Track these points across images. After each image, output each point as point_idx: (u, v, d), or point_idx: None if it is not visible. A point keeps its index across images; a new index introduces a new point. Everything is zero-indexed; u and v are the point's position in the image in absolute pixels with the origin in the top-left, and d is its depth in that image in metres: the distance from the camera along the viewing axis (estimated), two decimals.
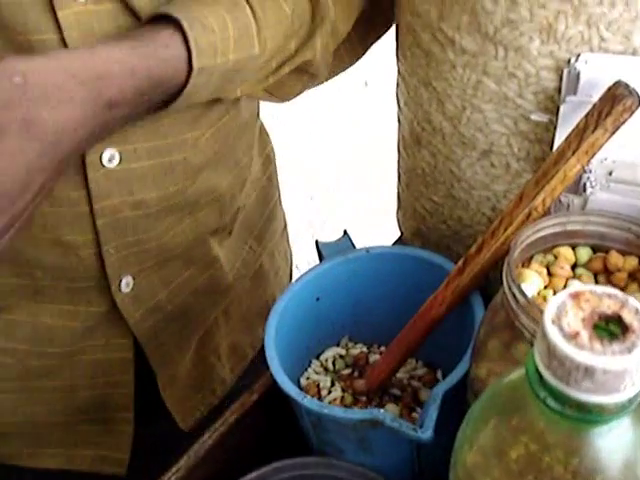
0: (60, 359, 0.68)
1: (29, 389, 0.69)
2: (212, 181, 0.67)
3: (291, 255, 0.90)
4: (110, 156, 0.58)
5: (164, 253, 0.67)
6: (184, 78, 0.54)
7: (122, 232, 0.62)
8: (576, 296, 0.30)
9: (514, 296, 0.44)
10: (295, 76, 0.64)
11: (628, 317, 0.30)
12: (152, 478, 0.78)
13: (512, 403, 0.36)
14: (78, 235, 0.61)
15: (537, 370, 0.31)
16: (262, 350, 0.79)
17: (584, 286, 0.31)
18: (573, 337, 0.29)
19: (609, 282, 0.49)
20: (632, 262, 0.49)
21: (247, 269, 0.78)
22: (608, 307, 0.30)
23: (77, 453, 0.74)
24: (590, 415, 0.30)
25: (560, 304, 0.30)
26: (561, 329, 0.29)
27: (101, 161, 0.58)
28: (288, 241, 0.88)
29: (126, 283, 0.65)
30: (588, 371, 0.29)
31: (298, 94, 0.68)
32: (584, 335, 0.29)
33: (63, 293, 0.65)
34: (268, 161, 0.80)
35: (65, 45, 0.54)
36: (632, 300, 0.30)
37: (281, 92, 0.66)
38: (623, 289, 0.49)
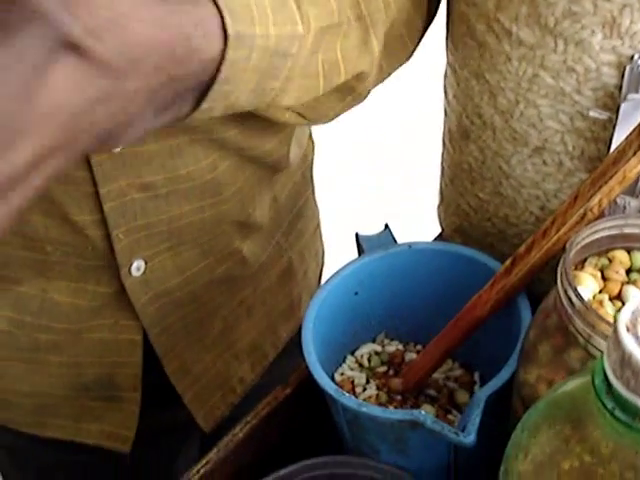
0: (67, 335, 0.68)
1: (37, 361, 0.69)
2: (234, 170, 0.64)
3: (323, 256, 0.87)
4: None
5: (177, 239, 0.65)
6: (218, 50, 0.40)
7: (131, 215, 0.61)
8: None
9: (569, 299, 0.42)
10: (338, 94, 0.53)
11: None
12: (155, 460, 0.79)
13: (570, 413, 0.34)
14: (86, 215, 0.60)
15: (606, 379, 0.29)
16: (284, 351, 0.80)
17: None
18: None
19: None
20: None
21: (273, 265, 0.76)
22: None
23: (83, 426, 0.74)
24: None
25: (635, 310, 0.28)
26: (637, 337, 0.27)
27: None
28: (321, 241, 0.86)
29: (137, 267, 0.64)
30: None
31: (334, 117, 0.57)
32: None
33: (72, 270, 0.64)
34: (306, 152, 0.77)
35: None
36: None
37: (314, 113, 0.54)
38: None
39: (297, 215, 0.78)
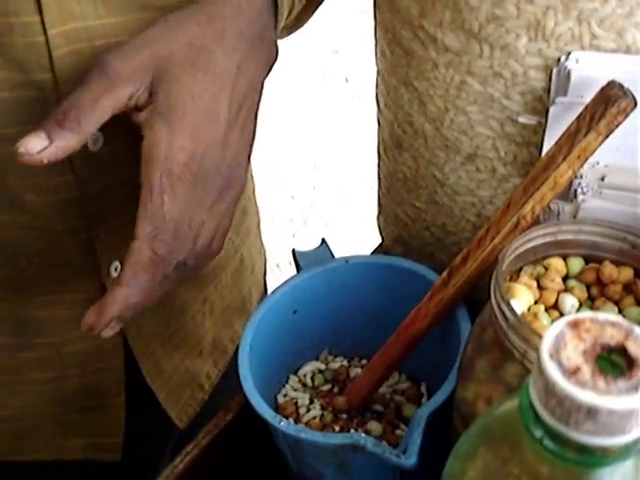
0: (49, 350, 0.66)
1: (18, 382, 0.68)
2: None
3: (265, 253, 0.89)
4: (94, 139, 0.56)
5: None
6: None
7: (111, 215, 0.61)
8: (575, 325, 0.27)
9: (503, 314, 0.41)
10: None
11: (633, 348, 0.27)
12: (146, 464, 0.77)
13: (503, 436, 0.33)
14: (68, 221, 0.59)
15: (532, 407, 0.28)
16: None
17: (584, 314, 0.28)
18: (573, 373, 0.26)
19: (603, 295, 0.46)
20: (627, 273, 0.46)
21: (228, 261, 0.77)
22: (611, 337, 0.27)
23: (66, 443, 0.72)
24: (592, 458, 0.27)
25: (558, 334, 0.27)
26: (560, 364, 0.26)
27: (86, 144, 0.55)
28: (261, 239, 0.87)
29: (114, 267, 0.63)
30: (591, 412, 0.25)
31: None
32: (586, 371, 0.26)
33: (47, 282, 0.63)
34: None
35: (45, 27, 0.51)
36: (638, 329, 0.27)
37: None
38: (618, 302, 0.46)
39: (244, 212, 0.79)
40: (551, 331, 0.27)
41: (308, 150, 2.18)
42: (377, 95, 0.62)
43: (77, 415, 0.71)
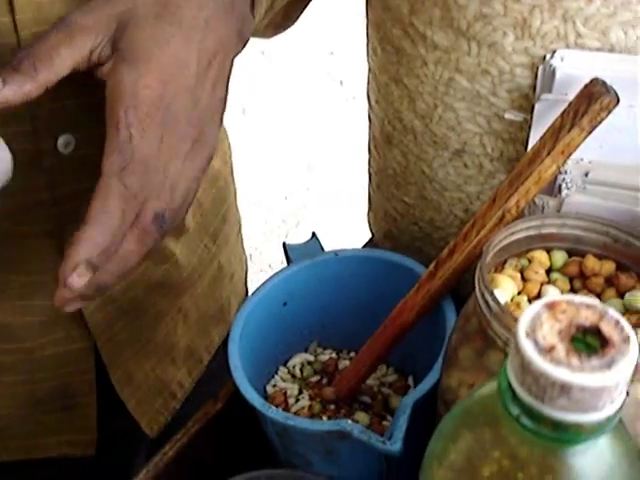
0: (20, 354, 0.66)
1: None
2: None
3: (246, 261, 0.89)
4: (65, 142, 0.56)
5: None
6: None
7: (80, 219, 0.60)
8: (552, 306, 0.28)
9: (487, 303, 0.42)
10: None
11: (607, 329, 0.28)
12: (120, 465, 0.78)
13: (484, 418, 0.34)
14: (38, 224, 0.59)
15: (510, 386, 0.29)
16: (217, 355, 0.80)
17: (560, 296, 0.29)
18: (548, 351, 0.27)
19: (585, 287, 0.47)
20: (609, 266, 0.47)
21: (204, 268, 0.76)
22: (586, 318, 0.28)
23: (38, 442, 0.72)
24: (566, 434, 0.28)
25: (535, 315, 0.28)
26: (536, 343, 0.27)
27: (56, 147, 0.56)
28: (243, 246, 0.87)
29: None
30: (564, 388, 0.27)
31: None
32: (560, 349, 0.27)
33: (17, 288, 0.62)
34: (225, 158, 0.78)
35: (16, 29, 0.51)
36: (612, 311, 0.28)
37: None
38: (600, 294, 0.47)
39: (222, 220, 0.78)
40: (528, 312, 0.28)
41: (302, 151, 2.19)
42: (368, 92, 0.63)
43: (50, 415, 0.71)
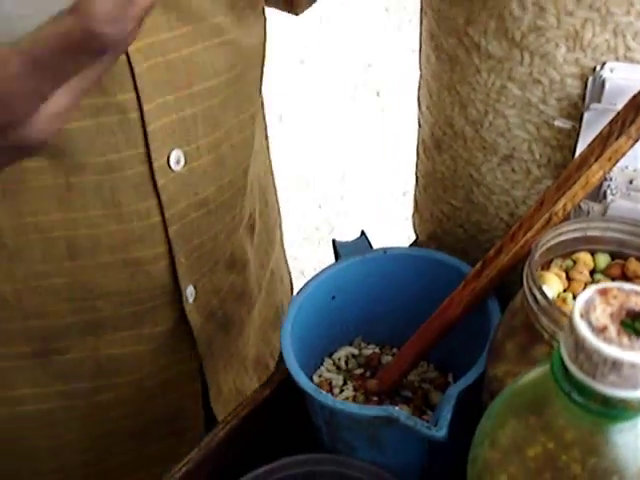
0: (129, 387, 0.66)
1: (95, 422, 0.67)
2: (251, 170, 0.67)
3: (287, 261, 0.90)
4: (176, 158, 0.58)
5: (216, 256, 0.66)
6: None
7: (190, 236, 0.62)
8: (604, 292, 0.31)
9: (535, 298, 0.44)
10: None
11: None
12: None
13: (532, 401, 0.36)
14: (149, 249, 0.60)
15: (563, 364, 0.31)
16: (280, 359, 0.81)
17: (612, 283, 0.31)
18: (601, 331, 0.29)
19: None
20: None
21: (263, 272, 0.78)
22: (636, 304, 0.30)
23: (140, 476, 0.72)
24: (614, 410, 0.31)
25: (589, 299, 0.30)
26: (589, 323, 0.30)
27: (169, 165, 0.58)
28: (284, 248, 0.88)
29: (190, 292, 0.65)
30: (615, 365, 0.29)
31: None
32: (612, 330, 0.29)
33: (126, 319, 0.63)
34: (269, 168, 0.80)
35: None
36: None
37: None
38: None
39: (269, 230, 0.80)
40: (582, 296, 0.31)
41: (337, 160, 2.22)
42: (419, 98, 0.66)
43: (154, 445, 0.71)
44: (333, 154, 2.23)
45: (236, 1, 0.60)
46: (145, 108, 0.56)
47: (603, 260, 0.50)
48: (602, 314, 0.30)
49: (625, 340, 0.29)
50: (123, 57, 0.53)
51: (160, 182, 0.58)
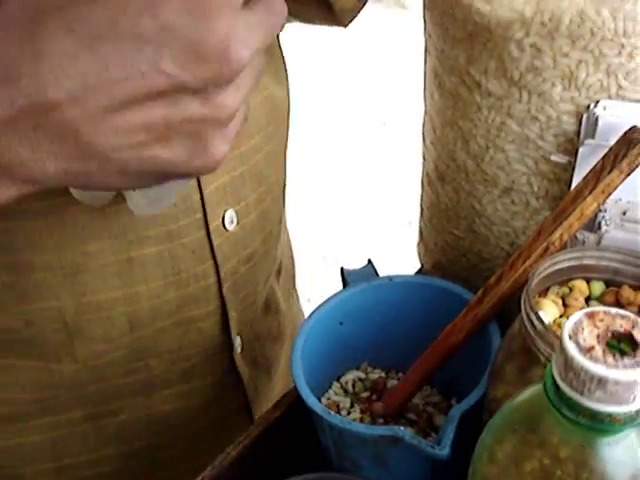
0: (184, 441, 0.67)
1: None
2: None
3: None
4: (230, 218, 0.60)
5: (257, 303, 0.68)
6: None
7: (239, 290, 0.63)
8: (592, 315, 0.33)
9: (532, 323, 0.47)
10: None
11: (638, 335, 0.33)
12: None
13: (528, 417, 0.39)
14: (203, 308, 0.62)
15: (554, 382, 0.34)
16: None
17: (599, 307, 0.34)
18: (588, 351, 0.32)
19: None
20: None
21: (290, 312, 0.80)
22: (620, 326, 0.33)
23: None
24: (602, 424, 0.33)
25: (577, 321, 0.33)
26: (577, 344, 0.32)
27: (224, 225, 0.60)
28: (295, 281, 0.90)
29: (238, 343, 0.66)
30: (601, 382, 0.32)
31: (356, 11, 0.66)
32: (598, 349, 0.32)
33: (177, 375, 0.64)
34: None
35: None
36: None
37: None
38: None
39: (290, 256, 0.82)
40: (571, 319, 0.33)
41: (346, 188, 2.25)
42: (423, 133, 0.69)
43: None
44: (337, 183, 2.26)
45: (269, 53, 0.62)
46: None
47: (598, 287, 0.53)
48: (589, 335, 0.33)
49: (610, 359, 0.32)
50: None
51: (216, 243, 0.60)
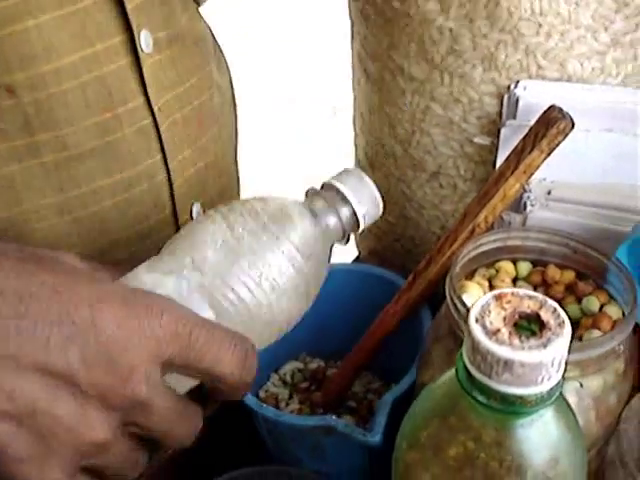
0: None
1: None
2: None
3: None
4: (197, 212, 0.61)
5: None
6: None
7: None
8: (499, 297, 0.33)
9: (455, 306, 0.46)
10: None
11: (545, 316, 0.33)
12: None
13: (448, 402, 0.39)
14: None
15: (465, 367, 0.34)
16: None
17: (507, 289, 0.34)
18: (494, 334, 0.32)
19: (547, 294, 0.52)
20: (569, 275, 0.52)
21: None
22: (528, 307, 0.33)
23: None
24: (513, 407, 0.33)
25: (484, 304, 0.33)
26: (484, 327, 0.32)
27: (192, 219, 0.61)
28: None
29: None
30: (507, 364, 0.31)
31: None
32: (504, 332, 0.32)
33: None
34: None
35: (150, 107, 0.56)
36: (550, 301, 0.33)
37: None
38: (560, 301, 0.52)
39: None
40: (478, 302, 0.33)
41: (297, 178, 2.25)
42: (354, 120, 0.68)
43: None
44: (289, 172, 2.26)
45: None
46: (170, 167, 0.57)
47: (524, 268, 0.53)
48: (496, 318, 0.32)
49: (516, 341, 0.32)
50: (149, 119, 0.55)
51: None
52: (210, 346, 0.41)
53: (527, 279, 0.53)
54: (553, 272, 0.52)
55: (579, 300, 0.51)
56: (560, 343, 0.32)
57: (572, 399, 0.45)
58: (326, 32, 2.51)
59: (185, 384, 0.43)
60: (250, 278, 0.42)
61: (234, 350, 0.42)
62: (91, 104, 0.52)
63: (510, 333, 0.32)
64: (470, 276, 0.52)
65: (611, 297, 0.50)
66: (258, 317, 0.44)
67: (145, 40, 0.54)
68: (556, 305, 0.33)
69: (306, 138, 2.36)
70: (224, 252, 0.42)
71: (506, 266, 0.52)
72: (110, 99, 0.53)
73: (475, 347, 0.32)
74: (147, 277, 0.42)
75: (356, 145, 0.69)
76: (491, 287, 0.52)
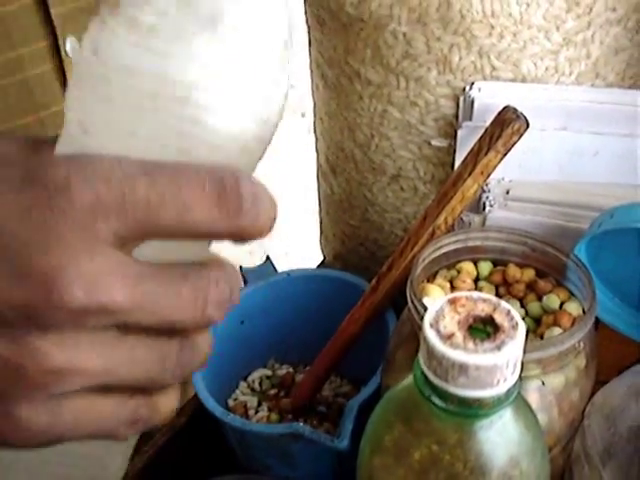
0: None
1: None
2: None
3: None
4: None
5: None
6: None
7: None
8: (453, 301, 0.33)
9: (416, 309, 0.47)
10: None
11: (499, 318, 0.33)
12: None
13: (410, 406, 0.39)
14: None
15: (422, 371, 0.34)
16: None
17: (461, 292, 0.34)
18: (448, 338, 0.32)
19: (509, 293, 0.52)
20: (529, 274, 0.52)
21: None
22: (482, 310, 0.33)
23: None
24: (471, 409, 0.33)
25: (438, 309, 0.33)
26: (438, 331, 0.32)
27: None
28: None
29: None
30: (462, 368, 0.32)
31: None
32: (459, 336, 0.32)
33: None
34: None
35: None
36: (504, 303, 0.33)
37: None
38: (522, 299, 0.52)
39: None
40: (433, 306, 0.33)
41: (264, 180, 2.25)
42: (314, 125, 0.69)
43: None
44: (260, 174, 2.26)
45: None
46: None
47: (485, 268, 0.53)
48: (450, 322, 0.33)
49: (470, 345, 0.32)
50: None
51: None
52: (162, 197, 0.28)
53: (488, 279, 0.53)
54: (513, 271, 0.52)
55: (540, 298, 0.52)
56: (514, 345, 0.32)
57: (534, 397, 0.45)
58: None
59: (169, 250, 0.30)
60: None
61: (204, 187, 0.29)
62: (13, 108, 0.52)
63: (464, 337, 0.32)
64: (432, 278, 0.53)
65: (571, 294, 0.51)
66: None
67: (71, 46, 0.54)
68: (510, 307, 0.33)
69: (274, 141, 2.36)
70: None
71: (467, 267, 0.53)
72: (33, 103, 0.53)
73: (430, 352, 0.32)
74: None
75: (317, 150, 0.69)
76: (452, 288, 0.52)
